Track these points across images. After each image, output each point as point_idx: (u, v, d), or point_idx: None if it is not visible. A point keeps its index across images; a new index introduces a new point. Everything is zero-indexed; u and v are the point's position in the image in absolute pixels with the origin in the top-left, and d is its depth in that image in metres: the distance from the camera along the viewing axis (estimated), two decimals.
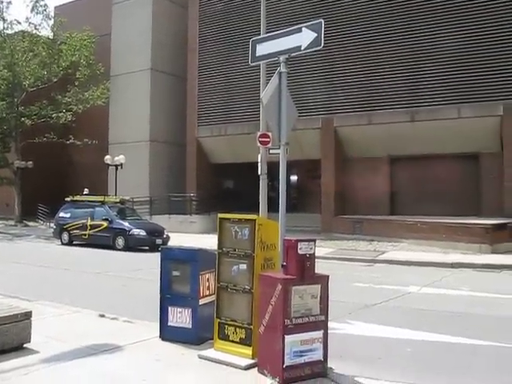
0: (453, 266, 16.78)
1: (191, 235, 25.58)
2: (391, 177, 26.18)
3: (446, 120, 23.50)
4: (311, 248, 5.55)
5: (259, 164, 17.76)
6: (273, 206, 16.62)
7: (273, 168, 15.00)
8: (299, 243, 5.49)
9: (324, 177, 26.59)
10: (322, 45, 6.13)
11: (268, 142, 17.63)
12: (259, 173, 17.63)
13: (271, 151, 17.77)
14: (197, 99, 31.49)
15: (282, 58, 6.35)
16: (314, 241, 5.61)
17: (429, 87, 23.91)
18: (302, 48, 6.26)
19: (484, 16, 22.82)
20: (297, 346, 5.50)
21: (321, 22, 6.18)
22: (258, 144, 17.77)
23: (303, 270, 5.48)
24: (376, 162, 25.90)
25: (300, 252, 5.48)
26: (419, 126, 24.17)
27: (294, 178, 31.36)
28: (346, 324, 8.72)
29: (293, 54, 6.39)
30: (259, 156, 17.93)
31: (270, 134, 17.27)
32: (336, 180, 26.24)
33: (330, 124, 26.33)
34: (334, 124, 26.26)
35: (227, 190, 33.50)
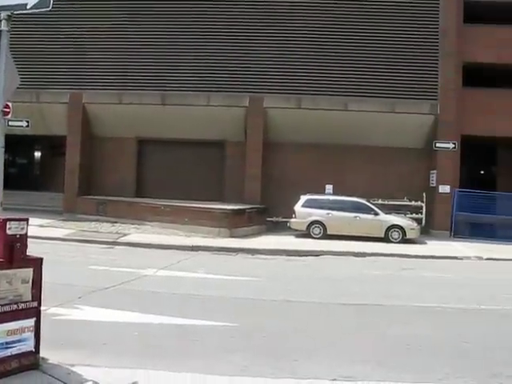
0: (192, 249, 17.24)
1: None
2: (139, 159, 25.93)
3: (195, 106, 24.00)
4: (23, 228, 5.06)
5: None
6: (12, 183, 15.33)
7: (13, 142, 13.77)
8: (8, 222, 4.96)
9: (69, 154, 25.20)
10: (51, 7, 5.59)
11: (8, 113, 16.21)
12: None
13: (10, 123, 16.58)
14: None
15: (3, 15, 5.65)
16: (27, 220, 5.13)
17: (180, 72, 24.09)
18: (28, 7, 5.63)
19: (230, 14, 23.82)
20: (2, 337, 4.98)
21: None
22: None
23: (12, 252, 4.96)
24: (125, 142, 25.40)
25: (9, 232, 4.95)
26: (170, 110, 24.32)
27: (37, 154, 29.27)
28: (73, 309, 8.33)
29: (17, 13, 5.72)
30: None
31: (10, 104, 15.92)
32: (81, 159, 25.09)
33: (79, 100, 25.10)
34: (83, 100, 25.09)
35: None
